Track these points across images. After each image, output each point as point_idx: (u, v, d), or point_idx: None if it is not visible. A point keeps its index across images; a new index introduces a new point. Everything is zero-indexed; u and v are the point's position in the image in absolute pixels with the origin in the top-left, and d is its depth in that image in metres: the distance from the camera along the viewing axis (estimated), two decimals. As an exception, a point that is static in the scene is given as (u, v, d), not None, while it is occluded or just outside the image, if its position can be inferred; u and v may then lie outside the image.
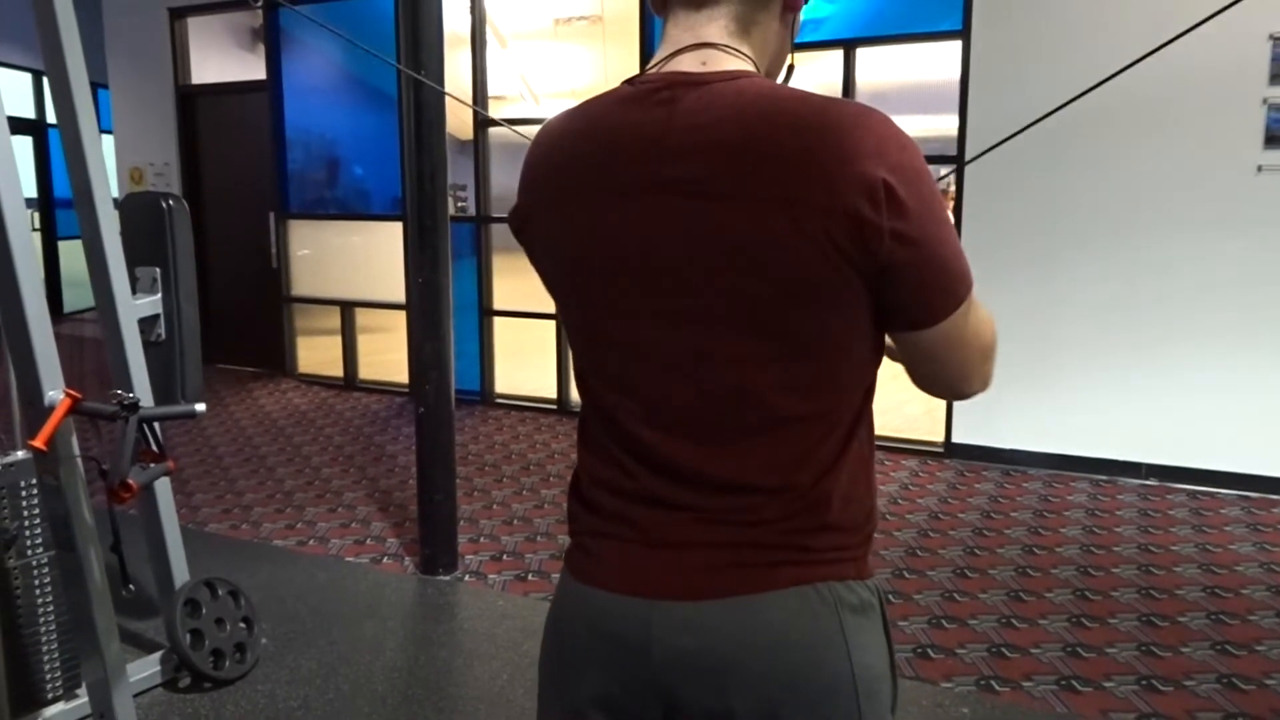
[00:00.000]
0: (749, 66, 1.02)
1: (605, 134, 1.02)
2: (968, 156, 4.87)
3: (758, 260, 0.93)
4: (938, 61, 5.10)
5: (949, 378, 1.04)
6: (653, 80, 1.01)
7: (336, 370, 7.12)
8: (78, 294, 10.77)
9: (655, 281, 0.99)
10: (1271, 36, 4.23)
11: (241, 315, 7.55)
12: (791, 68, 1.15)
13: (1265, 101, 4.29)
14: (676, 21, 1.05)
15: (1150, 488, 4.61)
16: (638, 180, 0.98)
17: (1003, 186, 4.79)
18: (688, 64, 1.01)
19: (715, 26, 1.02)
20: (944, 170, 5.07)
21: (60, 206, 10.85)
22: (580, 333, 1.09)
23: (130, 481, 2.10)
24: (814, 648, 0.99)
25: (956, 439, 5.12)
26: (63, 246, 10.95)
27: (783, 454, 1.00)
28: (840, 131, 0.91)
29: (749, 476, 1.00)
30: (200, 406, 2.33)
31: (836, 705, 1.00)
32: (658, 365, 1.01)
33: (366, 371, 7.08)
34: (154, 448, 2.27)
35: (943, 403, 5.15)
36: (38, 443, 2.13)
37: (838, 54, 5.19)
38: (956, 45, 4.90)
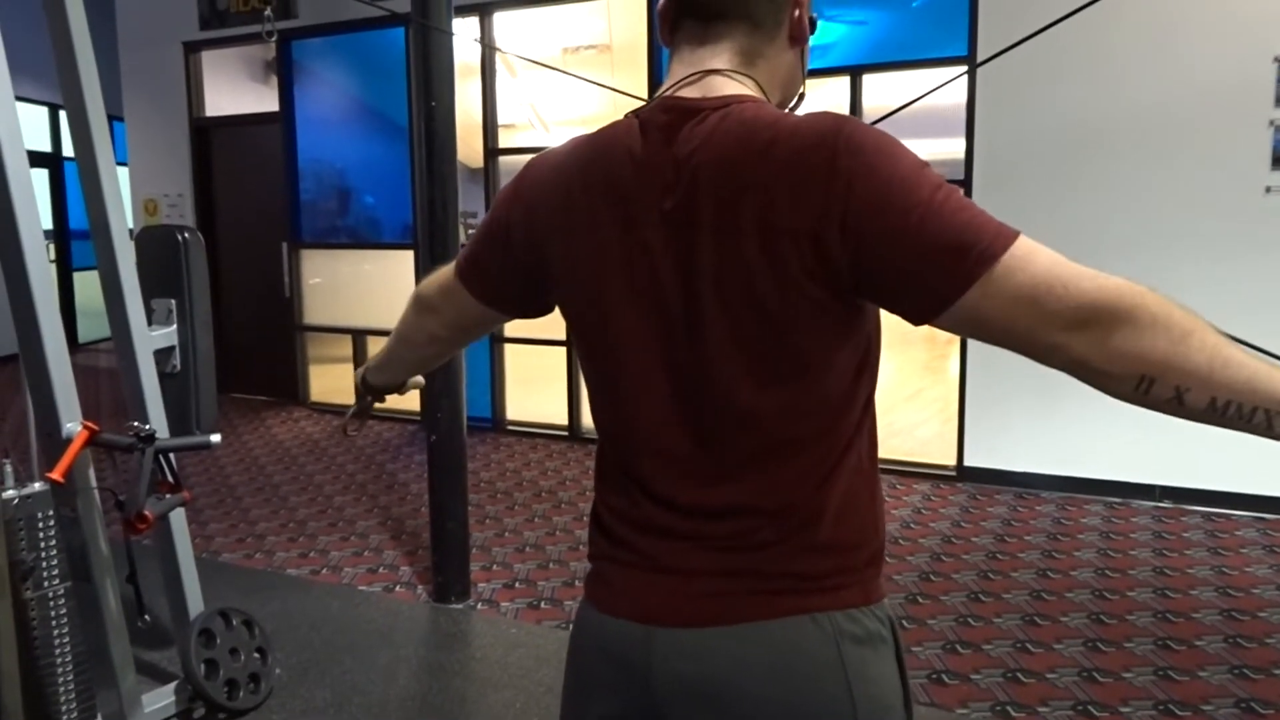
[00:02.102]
0: (752, 91, 1.04)
1: (606, 166, 1.04)
2: (975, 178, 4.89)
3: (741, 288, 0.95)
4: (945, 86, 5.13)
5: (1016, 349, 0.93)
6: (653, 111, 1.04)
7: (348, 398, 7.06)
8: (93, 324, 10.85)
9: (652, 311, 1.01)
10: (1277, 59, 4.25)
11: (254, 344, 7.59)
12: (802, 95, 1.16)
13: (1272, 123, 4.30)
14: (681, 57, 1.07)
15: (1164, 510, 4.59)
16: (635, 213, 1.01)
17: (1010, 209, 4.77)
18: (688, 93, 1.04)
19: (720, 59, 1.05)
20: (956, 72, 5.00)
21: (75, 238, 10.96)
22: (589, 361, 1.12)
23: (146, 512, 2.12)
24: (810, 678, 1.00)
25: (968, 462, 5.11)
26: (78, 277, 11.05)
27: (782, 475, 1.01)
28: (801, 152, 0.93)
29: (748, 500, 1.01)
30: (215, 437, 2.35)
31: None
32: (658, 393, 1.03)
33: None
34: (169, 479, 2.29)
35: (954, 426, 5.14)
36: (55, 475, 2.15)
37: (845, 80, 5.22)
38: (963, 70, 4.92)
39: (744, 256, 0.94)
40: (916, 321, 0.94)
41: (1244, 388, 0.87)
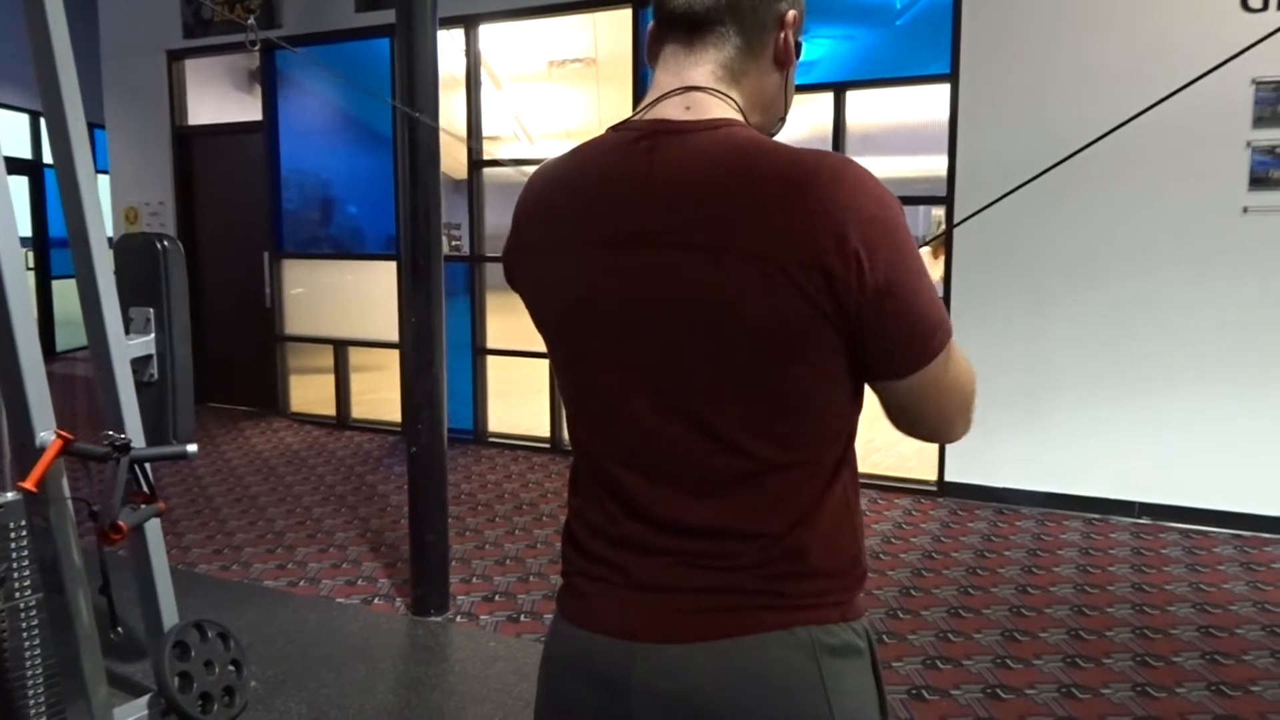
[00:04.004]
0: (734, 113, 1.03)
1: (589, 183, 1.03)
2: (957, 196, 4.92)
3: (733, 314, 0.94)
4: (927, 103, 5.17)
5: (931, 424, 1.05)
6: (635, 128, 1.03)
7: (329, 409, 7.11)
8: (71, 333, 10.76)
9: (634, 332, 1.00)
10: (1254, 81, 4.30)
11: (234, 354, 7.54)
12: (783, 120, 1.15)
13: (1249, 144, 4.35)
14: (665, 67, 1.06)
15: (1143, 526, 4.61)
16: (618, 231, 1.00)
17: (993, 231, 4.82)
18: (672, 110, 1.03)
19: (703, 71, 1.04)
20: (935, 231, 5.14)
21: (55, 246, 10.87)
22: (566, 378, 1.11)
23: (120, 523, 2.10)
24: (791, 692, 0.99)
25: (949, 478, 5.12)
26: (56, 286, 10.96)
27: (763, 501, 1.00)
28: (814, 185, 0.92)
29: (728, 522, 1.00)
30: (192, 448, 2.32)
31: None
32: (639, 413, 1.02)
33: (359, 410, 7.07)
34: (145, 489, 2.26)
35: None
36: (28, 484, 2.12)
37: (828, 97, 5.25)
38: (945, 88, 4.96)
39: (741, 282, 0.93)
40: (873, 378, 1.01)
41: None
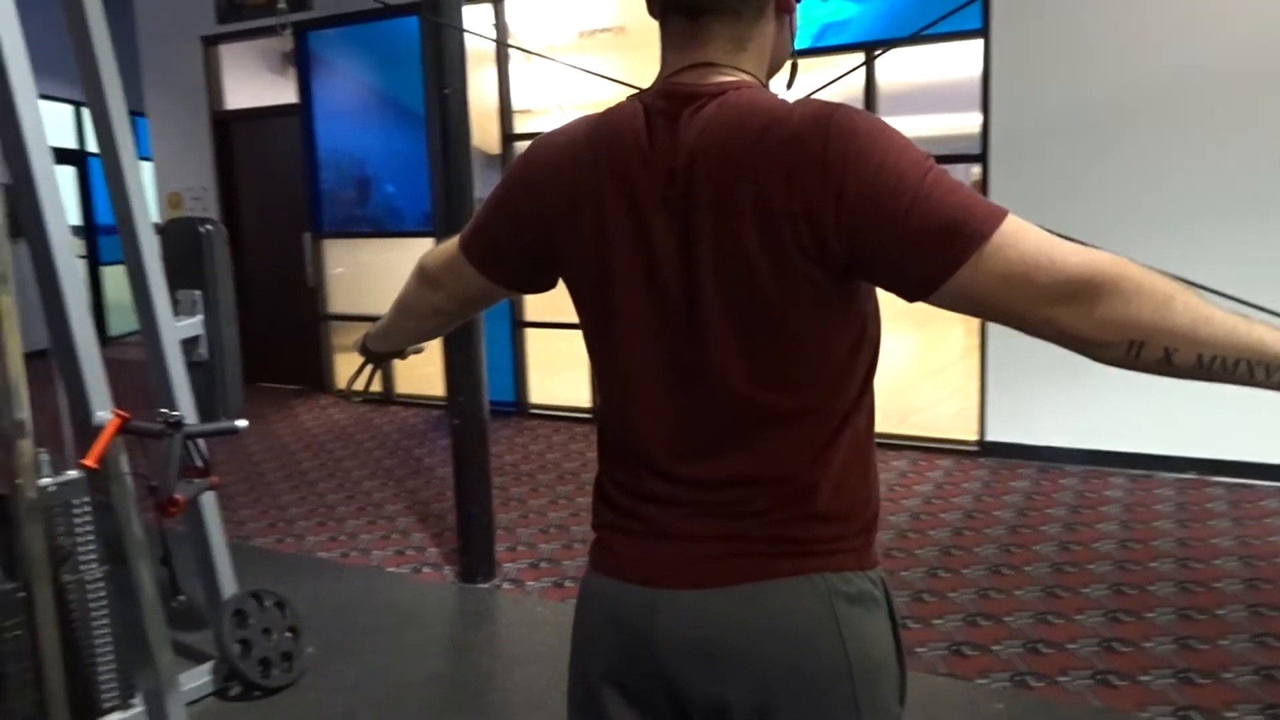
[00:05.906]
0: (743, 76, 1.07)
1: (613, 149, 1.07)
2: (993, 154, 4.87)
3: (738, 269, 0.99)
4: (959, 60, 5.10)
5: (1008, 324, 0.97)
6: (655, 96, 1.07)
7: (374, 384, 7.20)
8: (124, 318, 11.00)
9: (654, 291, 1.05)
10: (1298, 25, 4.20)
11: (281, 334, 7.67)
12: (795, 67, 1.18)
13: (1296, 91, 4.26)
14: (673, 47, 1.10)
15: (1187, 481, 4.57)
16: (639, 196, 1.04)
17: (1032, 178, 4.77)
18: (686, 78, 1.06)
19: (710, 49, 1.07)
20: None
21: (103, 233, 11.10)
22: (592, 337, 1.16)
23: (177, 496, 2.18)
24: (807, 636, 1.04)
25: (991, 437, 5.11)
26: (106, 271, 11.19)
27: (778, 448, 1.05)
28: (792, 137, 0.96)
29: (744, 471, 1.05)
30: (242, 423, 2.40)
31: (830, 692, 1.04)
32: (657, 372, 1.07)
33: (404, 385, 7.17)
34: (198, 463, 2.35)
35: (976, 402, 5.14)
36: (89, 461, 2.22)
37: (859, 57, 5.20)
38: (978, 44, 4.90)
39: (741, 239, 0.98)
40: (910, 299, 0.98)
41: (1225, 341, 0.91)
